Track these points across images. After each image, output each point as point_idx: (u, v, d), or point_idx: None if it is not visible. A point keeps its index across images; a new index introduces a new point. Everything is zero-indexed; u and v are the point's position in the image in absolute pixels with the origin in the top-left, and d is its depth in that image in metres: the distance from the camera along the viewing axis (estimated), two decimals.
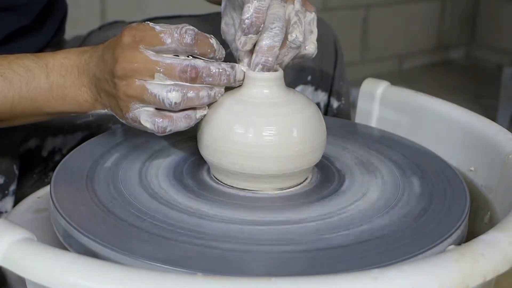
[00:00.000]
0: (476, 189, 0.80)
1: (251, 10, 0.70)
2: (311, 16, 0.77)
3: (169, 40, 0.67)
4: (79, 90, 0.74)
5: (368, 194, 0.73)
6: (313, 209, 0.69)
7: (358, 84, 0.97)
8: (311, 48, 0.77)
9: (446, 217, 0.68)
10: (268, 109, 0.71)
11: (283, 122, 0.70)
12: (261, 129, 0.69)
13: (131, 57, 0.67)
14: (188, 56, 0.69)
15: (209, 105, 0.71)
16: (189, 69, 0.67)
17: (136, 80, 0.68)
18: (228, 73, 0.70)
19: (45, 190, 0.86)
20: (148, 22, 0.69)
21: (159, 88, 0.67)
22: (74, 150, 0.81)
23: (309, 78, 1.06)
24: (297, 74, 1.04)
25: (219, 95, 0.71)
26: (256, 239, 0.64)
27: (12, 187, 0.90)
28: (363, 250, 0.62)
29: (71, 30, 1.19)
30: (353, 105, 1.01)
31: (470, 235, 0.69)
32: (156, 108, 0.69)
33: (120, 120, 0.73)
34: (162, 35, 0.67)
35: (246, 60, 0.73)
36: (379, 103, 0.94)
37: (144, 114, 0.69)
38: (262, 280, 0.49)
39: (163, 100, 0.67)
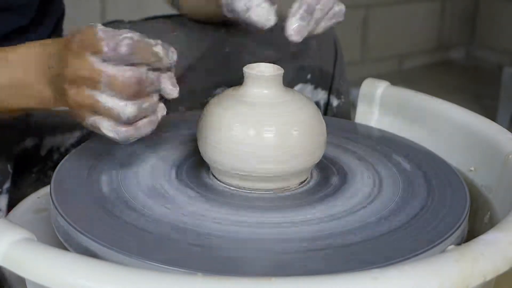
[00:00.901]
0: (476, 189, 0.80)
1: None
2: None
3: (105, 49, 0.63)
4: (40, 86, 0.71)
5: (367, 194, 0.73)
6: (313, 209, 0.69)
7: (358, 84, 0.97)
8: (339, 6, 0.79)
9: (446, 217, 0.68)
10: (268, 109, 0.71)
11: (283, 122, 0.70)
12: (261, 129, 0.69)
13: (78, 64, 0.65)
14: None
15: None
16: (133, 83, 0.64)
17: (86, 89, 0.65)
18: (168, 82, 0.67)
19: (45, 190, 0.86)
20: (98, 24, 0.66)
21: (114, 102, 0.64)
22: (74, 150, 0.81)
23: (308, 76, 1.06)
24: (296, 72, 1.04)
25: (170, 87, 0.67)
26: (256, 239, 0.64)
27: (6, 185, 0.89)
28: (363, 250, 0.62)
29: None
30: (353, 105, 1.01)
31: (470, 235, 0.69)
32: None
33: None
34: (102, 42, 0.63)
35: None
36: (379, 103, 0.94)
37: (105, 123, 0.66)
38: (262, 280, 0.49)
39: (118, 114, 0.65)
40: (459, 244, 0.65)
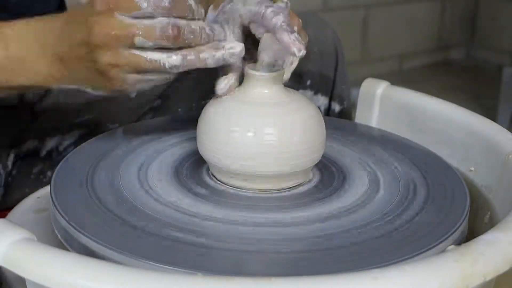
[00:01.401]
0: (476, 189, 0.80)
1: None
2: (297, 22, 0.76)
3: (145, 4, 0.64)
4: (42, 63, 0.70)
5: (367, 194, 0.73)
6: (313, 209, 0.69)
7: (358, 84, 0.97)
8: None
9: (446, 217, 0.68)
10: (268, 109, 0.71)
11: (283, 122, 0.70)
12: (261, 129, 0.69)
13: (107, 24, 0.64)
14: None
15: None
16: (170, 28, 0.65)
17: (122, 49, 0.65)
18: (207, 31, 0.68)
19: (45, 190, 0.86)
20: None
21: (159, 54, 0.65)
22: (74, 150, 0.81)
23: (308, 82, 1.05)
24: (296, 78, 1.04)
25: (221, 57, 0.69)
26: (256, 239, 0.64)
27: None
28: (363, 250, 0.62)
29: None
30: (353, 105, 1.01)
31: (470, 235, 0.69)
32: None
33: (98, 92, 0.70)
34: (137, 0, 0.64)
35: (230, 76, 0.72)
36: (379, 103, 0.94)
37: (148, 76, 0.67)
38: (262, 280, 0.49)
39: (164, 65, 0.66)
40: (459, 244, 0.65)
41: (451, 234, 0.65)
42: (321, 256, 0.61)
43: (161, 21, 0.65)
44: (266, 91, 0.72)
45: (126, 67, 0.66)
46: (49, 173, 0.99)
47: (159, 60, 0.66)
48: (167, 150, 0.81)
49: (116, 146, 0.81)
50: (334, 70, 1.07)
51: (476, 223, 0.77)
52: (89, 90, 0.71)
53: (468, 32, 3.12)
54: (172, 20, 0.65)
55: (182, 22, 0.66)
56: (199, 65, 0.68)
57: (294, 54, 0.68)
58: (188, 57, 0.67)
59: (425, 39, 3.01)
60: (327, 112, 1.09)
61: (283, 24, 0.69)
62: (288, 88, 0.75)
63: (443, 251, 0.60)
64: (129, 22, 0.64)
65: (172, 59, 0.66)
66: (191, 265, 0.58)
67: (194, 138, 0.75)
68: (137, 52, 0.65)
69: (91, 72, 0.68)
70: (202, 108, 0.74)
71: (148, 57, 0.65)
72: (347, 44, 1.35)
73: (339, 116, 1.09)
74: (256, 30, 0.73)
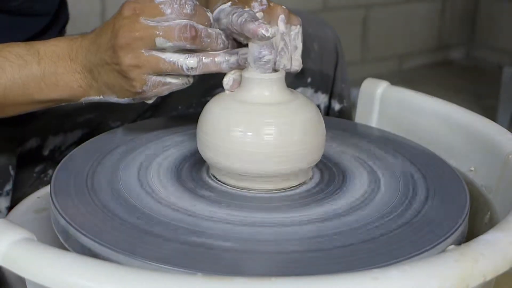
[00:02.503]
0: (476, 189, 0.80)
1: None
2: (296, 31, 0.78)
3: (168, 11, 0.69)
4: (72, 77, 0.74)
5: (367, 194, 0.73)
6: (312, 209, 0.69)
7: (358, 84, 0.97)
8: (295, 65, 0.77)
9: (446, 217, 0.68)
10: (268, 109, 0.71)
11: (282, 123, 0.70)
12: (261, 129, 0.69)
13: (131, 27, 0.69)
14: None
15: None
16: (188, 28, 0.69)
17: (143, 51, 0.69)
18: (223, 37, 0.72)
19: (45, 190, 0.86)
20: None
21: (176, 56, 0.70)
22: (75, 150, 0.81)
23: (309, 80, 1.06)
24: (296, 76, 1.04)
25: (235, 62, 0.72)
26: (256, 239, 0.64)
27: (7, 188, 0.89)
28: (363, 250, 0.62)
29: (71, 29, 1.19)
30: (353, 105, 1.01)
31: (470, 235, 0.69)
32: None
33: (124, 100, 0.74)
34: (161, 6, 0.69)
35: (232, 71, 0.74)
36: (379, 103, 0.94)
37: (168, 78, 0.71)
38: (262, 280, 0.49)
39: (181, 66, 0.70)
40: (459, 244, 0.65)
41: (451, 234, 0.65)
42: (321, 256, 0.61)
43: (180, 22, 0.69)
44: (267, 93, 0.72)
45: (146, 68, 0.70)
46: (50, 172, 1.00)
47: (177, 62, 0.70)
48: (167, 149, 0.81)
49: (116, 146, 0.82)
50: (334, 68, 1.08)
51: (476, 223, 0.77)
52: (114, 99, 0.75)
53: (468, 32, 3.12)
54: (190, 22, 0.69)
55: (200, 25, 0.70)
56: (214, 68, 0.72)
57: (263, 36, 0.69)
58: (204, 60, 0.71)
59: (425, 39, 3.01)
60: (327, 110, 1.09)
61: (247, 19, 0.70)
62: (289, 89, 0.75)
63: (443, 251, 0.60)
64: (151, 24, 0.69)
65: (189, 61, 0.70)
66: (191, 265, 0.58)
67: (194, 138, 0.75)
68: (157, 53, 0.69)
69: (115, 75, 0.71)
70: (202, 108, 0.74)
71: (167, 59, 0.70)
72: (347, 44, 1.35)
73: (339, 115, 1.09)
74: (239, 39, 0.74)
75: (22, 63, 0.74)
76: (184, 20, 0.69)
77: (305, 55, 0.80)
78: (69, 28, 1.15)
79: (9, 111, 0.78)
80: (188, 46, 0.69)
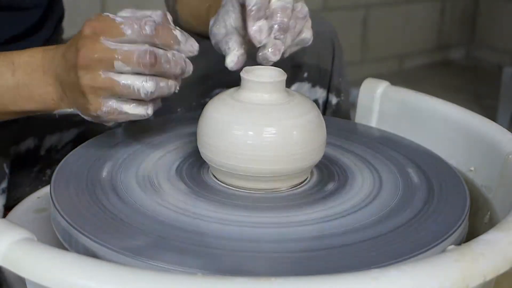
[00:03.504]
0: (476, 189, 0.80)
1: None
2: (305, 10, 0.78)
3: (129, 31, 0.67)
4: (45, 89, 0.74)
5: (367, 194, 0.73)
6: (312, 209, 0.69)
7: (358, 84, 0.97)
8: (307, 34, 0.77)
9: (446, 217, 0.68)
10: (269, 109, 0.71)
11: (283, 123, 0.70)
12: (261, 130, 0.69)
13: (91, 48, 0.67)
14: None
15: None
16: (148, 55, 0.67)
17: (101, 72, 0.68)
18: (183, 61, 0.70)
19: (45, 190, 0.86)
20: (108, 14, 0.70)
21: (132, 79, 0.68)
22: (74, 150, 0.81)
23: (305, 75, 1.05)
24: (293, 71, 1.04)
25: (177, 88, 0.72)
26: (256, 239, 0.64)
27: (3, 186, 0.89)
28: (363, 250, 0.62)
29: (71, 29, 1.19)
30: (353, 105, 1.01)
31: (470, 235, 0.68)
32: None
33: (85, 117, 0.73)
34: (122, 26, 0.67)
35: (236, 49, 0.73)
36: (379, 103, 0.94)
37: (124, 104, 0.70)
38: (262, 280, 0.49)
39: (138, 90, 0.68)
40: (459, 244, 0.65)
41: (451, 234, 0.65)
42: (321, 256, 0.61)
43: (139, 48, 0.67)
44: (266, 95, 0.72)
45: (101, 91, 0.68)
46: (48, 171, 1.00)
47: (133, 86, 0.68)
48: (167, 150, 0.81)
49: (116, 146, 0.81)
50: (331, 62, 1.07)
51: (476, 223, 0.77)
52: (80, 113, 0.74)
53: (468, 32, 3.12)
54: (151, 48, 0.68)
55: (160, 51, 0.68)
56: (167, 92, 0.70)
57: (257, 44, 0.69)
58: (161, 84, 0.69)
59: (425, 39, 3.01)
60: (325, 105, 1.09)
61: (253, 8, 0.70)
62: (289, 89, 0.75)
63: (443, 251, 0.60)
64: (112, 47, 0.67)
65: (147, 85, 0.68)
66: (191, 265, 0.58)
67: (194, 138, 0.75)
68: (113, 75, 0.68)
69: (78, 93, 0.70)
70: (202, 108, 0.74)
71: (122, 82, 0.68)
72: (347, 44, 1.35)
73: (336, 109, 1.09)
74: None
75: None
76: (145, 46, 0.67)
77: (301, 49, 0.80)
78: (69, 27, 1.15)
79: None
80: (146, 72, 0.68)
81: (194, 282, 0.49)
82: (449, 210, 0.70)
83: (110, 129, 0.87)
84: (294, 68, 1.04)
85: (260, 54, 0.74)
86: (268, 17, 0.72)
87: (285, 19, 0.71)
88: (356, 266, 0.58)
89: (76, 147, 0.82)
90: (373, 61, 2.81)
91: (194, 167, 0.77)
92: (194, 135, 0.75)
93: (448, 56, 3.11)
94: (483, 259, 0.53)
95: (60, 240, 0.66)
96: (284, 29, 0.70)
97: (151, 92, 0.68)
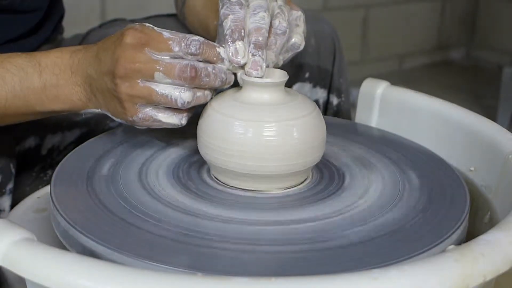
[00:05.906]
0: (476, 189, 0.80)
1: (229, 22, 0.72)
2: (297, 14, 0.79)
3: (176, 48, 0.68)
4: (72, 89, 0.74)
5: (367, 194, 0.73)
6: (312, 209, 0.69)
7: (358, 84, 0.97)
8: (297, 38, 0.77)
9: (446, 217, 0.68)
10: (269, 109, 0.71)
11: (283, 123, 0.70)
12: (261, 130, 0.69)
13: (133, 57, 0.68)
14: None
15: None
16: (189, 69, 0.68)
17: (139, 81, 0.69)
18: (223, 74, 0.71)
19: (45, 190, 0.86)
20: (152, 26, 0.70)
21: (170, 89, 0.69)
22: (74, 150, 0.81)
23: (306, 75, 1.06)
24: (294, 71, 1.04)
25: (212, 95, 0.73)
26: (256, 239, 0.64)
27: (9, 186, 0.90)
28: (363, 250, 0.62)
29: (71, 29, 1.19)
30: (353, 105, 1.01)
31: (470, 235, 0.69)
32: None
33: (118, 119, 0.73)
34: (170, 42, 0.68)
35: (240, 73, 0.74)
36: (379, 103, 0.94)
37: (160, 113, 0.71)
38: (262, 280, 0.49)
39: (175, 100, 0.69)
40: (459, 244, 0.65)
41: (451, 234, 0.65)
42: (321, 256, 0.61)
43: (181, 61, 0.69)
44: (266, 95, 0.72)
45: (138, 98, 0.69)
46: (49, 171, 1.00)
47: (170, 95, 0.69)
48: (168, 150, 0.81)
49: (116, 146, 0.81)
50: (332, 63, 1.08)
51: (476, 223, 0.77)
52: (110, 115, 0.75)
53: (468, 32, 3.12)
54: (191, 62, 0.69)
55: (200, 64, 0.69)
56: (203, 100, 0.72)
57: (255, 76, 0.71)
58: (197, 94, 0.70)
59: (425, 39, 3.01)
60: (326, 106, 1.09)
61: (227, 32, 0.72)
62: (289, 89, 0.75)
63: (443, 251, 0.60)
64: (154, 58, 0.68)
65: (184, 95, 0.69)
66: (191, 265, 0.58)
67: (194, 138, 0.75)
68: (152, 85, 0.69)
69: (112, 99, 0.71)
70: (202, 108, 0.74)
71: (160, 91, 0.69)
72: (347, 44, 1.35)
73: (337, 109, 1.09)
74: None
75: (23, 74, 0.74)
76: (184, 61, 0.69)
77: (302, 50, 0.80)
78: (69, 27, 1.15)
79: (9, 120, 0.79)
80: (186, 85, 0.69)
81: (194, 282, 0.49)
82: (449, 210, 0.70)
83: (110, 129, 0.87)
84: (296, 68, 1.04)
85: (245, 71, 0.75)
86: (246, 36, 0.73)
87: (260, 38, 0.72)
88: (356, 266, 0.58)
89: None
90: (373, 61, 2.81)
91: (195, 166, 0.77)
92: (194, 134, 0.75)
93: (448, 56, 3.11)
94: (483, 259, 0.53)
95: (60, 240, 0.66)
96: (259, 47, 0.72)
97: (188, 102, 0.70)
